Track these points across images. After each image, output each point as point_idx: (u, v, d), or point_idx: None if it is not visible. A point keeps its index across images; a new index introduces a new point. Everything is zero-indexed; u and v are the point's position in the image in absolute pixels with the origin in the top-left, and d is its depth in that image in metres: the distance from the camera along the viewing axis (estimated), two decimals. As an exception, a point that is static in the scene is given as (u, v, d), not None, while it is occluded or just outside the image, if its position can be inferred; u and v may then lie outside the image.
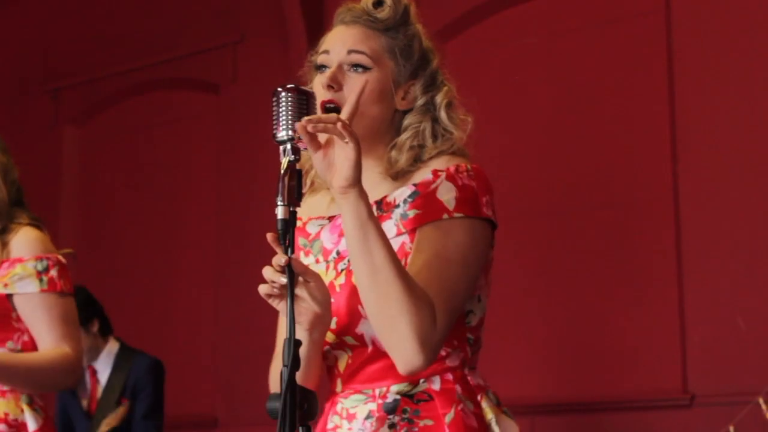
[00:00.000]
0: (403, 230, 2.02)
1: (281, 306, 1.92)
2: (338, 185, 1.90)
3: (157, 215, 7.31)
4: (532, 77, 5.99)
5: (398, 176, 2.09)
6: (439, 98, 2.13)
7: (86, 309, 5.35)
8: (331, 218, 2.14)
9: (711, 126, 5.44)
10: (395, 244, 2.00)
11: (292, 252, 1.86)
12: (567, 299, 5.72)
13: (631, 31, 5.75)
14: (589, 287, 5.67)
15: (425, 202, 2.01)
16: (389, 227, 2.02)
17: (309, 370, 2.01)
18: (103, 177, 7.64)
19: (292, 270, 1.85)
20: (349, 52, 2.09)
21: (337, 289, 2.05)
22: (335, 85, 2.07)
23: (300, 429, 1.81)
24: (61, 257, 3.01)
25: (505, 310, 5.83)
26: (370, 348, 2.03)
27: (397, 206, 2.04)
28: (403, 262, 1.97)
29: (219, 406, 6.65)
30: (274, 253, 2.24)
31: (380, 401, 2.03)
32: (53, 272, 2.96)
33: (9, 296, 2.95)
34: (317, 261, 2.12)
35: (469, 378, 2.08)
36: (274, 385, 2.07)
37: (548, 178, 5.84)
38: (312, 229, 2.15)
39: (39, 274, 2.95)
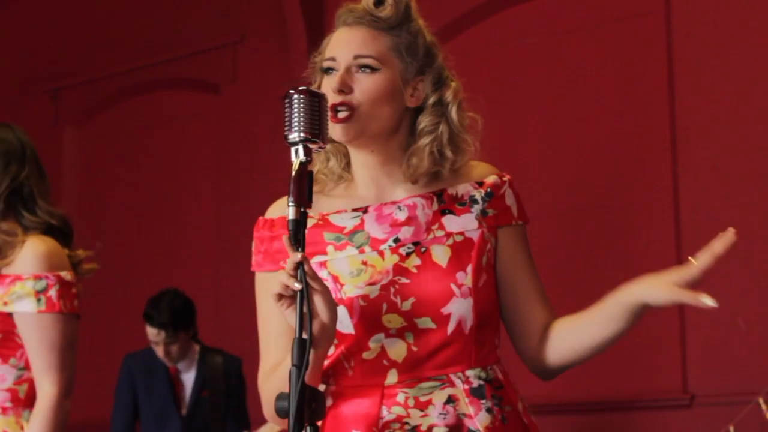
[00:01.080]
0: (484, 225, 2.13)
1: (289, 312, 1.90)
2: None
3: (156, 215, 7.32)
4: (532, 77, 6.00)
5: (417, 180, 2.14)
6: (449, 96, 2.15)
7: (187, 317, 5.53)
8: (363, 210, 2.13)
9: (711, 126, 5.45)
10: (474, 234, 2.11)
11: (303, 249, 1.87)
12: (566, 299, 5.70)
13: (631, 31, 5.76)
14: (589, 287, 5.66)
15: (499, 205, 2.16)
16: (470, 219, 2.12)
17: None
18: (103, 177, 7.64)
19: (304, 269, 1.85)
20: (356, 57, 2.09)
21: (413, 270, 2.06)
22: (345, 89, 2.08)
23: (307, 428, 1.81)
24: (64, 274, 2.94)
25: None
26: (449, 331, 2.04)
27: (475, 201, 2.14)
28: (485, 250, 2.13)
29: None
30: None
31: (466, 387, 2.05)
32: (52, 292, 2.90)
33: (11, 313, 2.93)
34: (362, 251, 2.10)
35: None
36: (267, 400, 2.05)
37: (548, 178, 5.84)
38: (344, 222, 2.13)
39: (37, 293, 2.89)
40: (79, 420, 5.83)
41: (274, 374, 2.08)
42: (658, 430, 5.45)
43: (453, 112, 2.14)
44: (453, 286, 2.05)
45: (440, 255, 2.07)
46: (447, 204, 2.12)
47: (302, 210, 1.86)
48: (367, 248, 2.10)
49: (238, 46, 7.06)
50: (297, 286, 1.86)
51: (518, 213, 2.19)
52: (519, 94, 5.98)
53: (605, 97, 5.79)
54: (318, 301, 1.90)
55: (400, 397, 2.05)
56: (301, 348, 1.83)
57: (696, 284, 2.07)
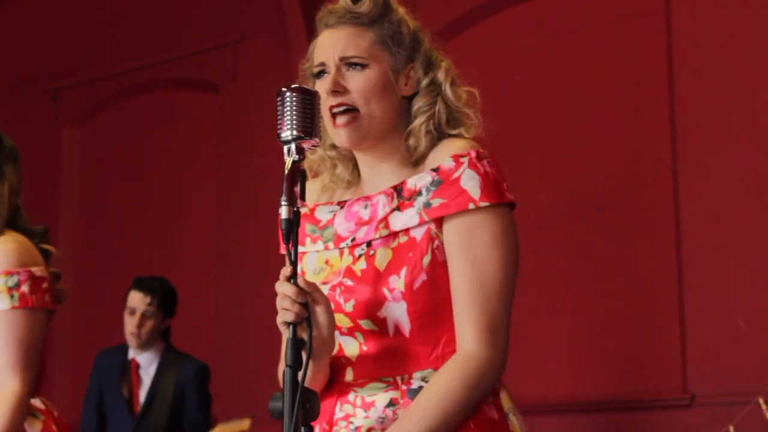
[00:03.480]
0: (427, 219, 2.03)
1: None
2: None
3: (156, 215, 7.31)
4: (532, 77, 6.00)
5: (418, 162, 2.11)
6: (441, 75, 2.14)
7: (173, 305, 5.47)
8: (342, 204, 2.14)
9: (711, 126, 5.45)
10: (419, 232, 2.03)
11: (296, 250, 1.87)
12: (566, 299, 5.72)
13: (631, 31, 5.76)
14: (589, 287, 5.68)
15: (449, 191, 2.02)
16: (411, 216, 2.04)
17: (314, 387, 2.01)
18: (103, 177, 7.64)
19: (296, 268, 1.85)
20: (343, 57, 2.10)
21: (358, 273, 2.05)
22: (340, 89, 2.09)
23: (303, 429, 1.81)
24: (35, 270, 2.93)
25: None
26: (391, 333, 2.03)
27: (420, 194, 2.05)
28: (429, 248, 2.01)
29: (219, 406, 6.64)
30: (274, 253, 2.24)
31: (404, 387, 2.02)
32: (24, 287, 2.89)
33: None
34: (326, 248, 2.12)
35: None
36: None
37: (548, 178, 5.84)
38: (322, 215, 2.15)
39: (10, 290, 2.89)
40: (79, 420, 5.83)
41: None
42: (658, 430, 5.44)
43: (447, 90, 2.13)
44: (385, 291, 2.02)
45: (381, 258, 2.05)
46: (402, 200, 2.07)
47: (295, 209, 1.86)
48: (330, 245, 2.11)
49: (238, 46, 7.06)
50: (300, 298, 1.87)
51: (481, 193, 2.02)
52: (519, 94, 5.97)
53: (605, 97, 5.78)
54: (320, 312, 1.91)
55: (351, 396, 2.06)
56: (296, 349, 1.83)
57: None
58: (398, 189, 2.08)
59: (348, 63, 2.10)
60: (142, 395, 5.42)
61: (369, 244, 2.07)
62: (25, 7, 8.02)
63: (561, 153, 5.85)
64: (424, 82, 2.13)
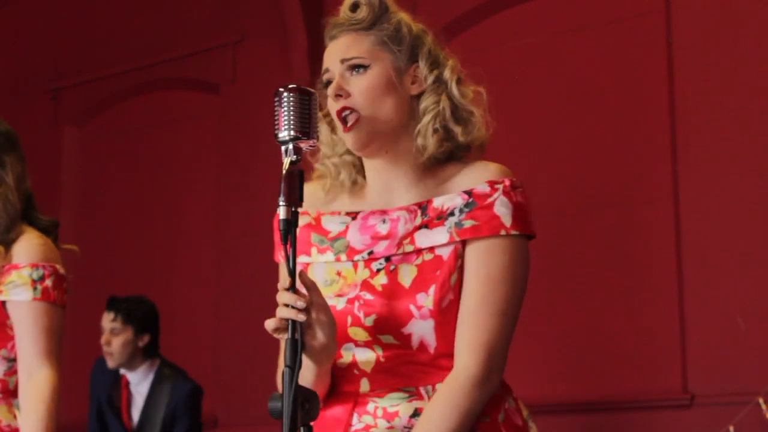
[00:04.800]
0: (457, 239, 2.06)
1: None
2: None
3: (156, 215, 7.32)
4: (532, 77, 6.00)
5: (430, 165, 2.12)
6: (447, 73, 2.16)
7: (146, 321, 5.43)
8: (352, 215, 2.14)
9: (711, 126, 5.45)
10: (445, 251, 2.05)
11: (294, 250, 1.86)
12: (566, 299, 5.72)
13: (631, 31, 5.76)
14: (589, 287, 5.68)
15: (483, 215, 2.06)
16: (441, 233, 2.06)
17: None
18: (103, 177, 7.64)
19: (294, 269, 1.85)
20: (344, 60, 2.12)
21: (378, 288, 2.05)
22: (342, 92, 2.10)
23: (301, 429, 1.81)
24: (59, 267, 2.96)
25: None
26: (415, 347, 2.04)
27: (452, 214, 2.07)
28: (456, 267, 2.04)
29: (219, 406, 6.65)
30: (273, 252, 2.24)
31: (429, 399, 2.03)
32: (48, 282, 2.92)
33: (4, 303, 2.93)
34: (338, 259, 2.12)
35: (503, 377, 2.13)
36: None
37: (548, 178, 5.84)
38: (332, 226, 2.15)
39: (34, 282, 2.91)
40: (76, 420, 5.84)
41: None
42: (658, 430, 5.44)
43: (453, 88, 2.14)
44: (413, 308, 2.02)
45: (405, 275, 2.06)
46: (429, 218, 2.08)
47: (293, 210, 1.85)
48: (343, 256, 2.11)
49: (238, 46, 7.06)
50: (300, 304, 1.86)
51: (513, 222, 2.06)
52: (519, 94, 5.97)
53: (605, 97, 5.78)
54: (319, 321, 1.91)
55: (370, 407, 2.06)
56: (294, 349, 1.83)
57: None
58: (423, 207, 2.09)
59: (350, 66, 2.11)
60: (134, 411, 5.43)
61: (388, 259, 2.08)
62: (25, 7, 8.02)
63: (561, 152, 5.85)
64: (430, 79, 2.14)
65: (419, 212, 2.09)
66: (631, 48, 5.75)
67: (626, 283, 5.59)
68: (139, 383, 5.43)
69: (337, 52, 2.14)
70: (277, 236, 2.21)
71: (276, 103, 1.88)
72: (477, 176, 2.10)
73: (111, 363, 5.41)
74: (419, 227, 2.08)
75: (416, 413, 2.02)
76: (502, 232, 2.05)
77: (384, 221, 2.11)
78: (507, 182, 2.09)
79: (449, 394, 1.99)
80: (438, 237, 2.06)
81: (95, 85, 7.70)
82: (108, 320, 5.44)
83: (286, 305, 1.86)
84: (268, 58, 6.80)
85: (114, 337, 5.39)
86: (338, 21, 2.18)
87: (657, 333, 5.45)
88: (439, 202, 2.09)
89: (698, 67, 5.52)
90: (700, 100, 5.48)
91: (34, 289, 2.91)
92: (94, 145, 7.72)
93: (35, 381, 2.87)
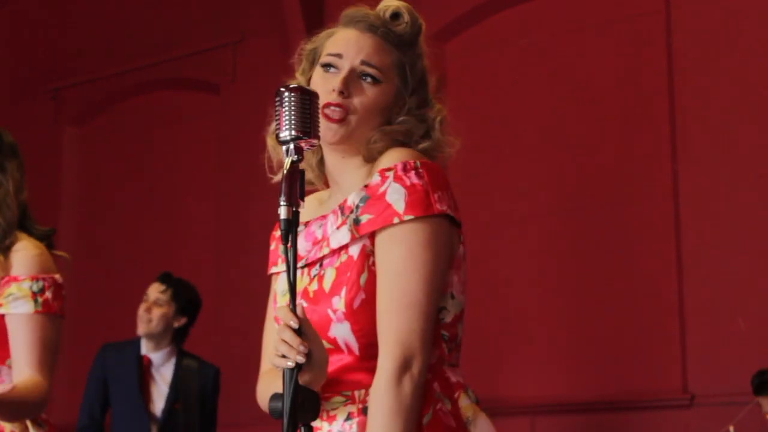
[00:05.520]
0: (357, 235, 2.00)
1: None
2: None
3: (156, 215, 7.32)
4: (532, 77, 6.00)
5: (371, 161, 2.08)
6: (432, 114, 2.12)
7: (190, 305, 5.44)
8: (307, 224, 2.13)
9: (711, 126, 5.45)
10: (355, 251, 2.00)
11: (295, 252, 1.85)
12: (566, 299, 5.72)
13: (631, 31, 5.76)
14: (589, 287, 5.68)
15: (376, 207, 1.99)
16: (344, 232, 2.02)
17: None
18: (103, 177, 7.64)
19: (296, 253, 1.83)
20: (363, 62, 2.08)
21: (311, 294, 2.03)
22: (346, 92, 2.07)
23: (302, 429, 1.81)
24: (57, 277, 2.94)
25: (503, 310, 5.84)
26: (345, 352, 2.02)
27: (352, 212, 2.02)
28: (365, 266, 1.99)
29: (219, 406, 6.64)
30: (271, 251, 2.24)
31: (360, 406, 2.00)
32: (48, 293, 2.90)
33: (3, 315, 2.93)
34: None
35: (448, 375, 2.05)
36: (263, 401, 2.07)
37: (548, 178, 5.84)
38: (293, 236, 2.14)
39: (34, 294, 2.88)
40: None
41: (267, 376, 2.11)
42: (658, 430, 5.44)
43: (433, 121, 2.11)
44: (329, 312, 2.00)
45: (328, 279, 2.03)
46: (345, 218, 2.04)
47: (294, 209, 1.85)
48: None
49: (238, 46, 7.07)
50: (293, 324, 1.84)
51: (406, 207, 1.96)
52: (519, 93, 5.97)
53: (605, 97, 5.79)
54: (316, 354, 1.87)
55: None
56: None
57: None
58: (341, 206, 2.06)
59: (363, 72, 2.07)
60: (155, 393, 5.41)
61: (321, 264, 2.05)
62: (25, 7, 8.02)
63: (561, 152, 5.85)
64: (413, 106, 2.10)
65: (339, 212, 2.06)
66: (631, 48, 5.75)
67: (626, 283, 5.59)
68: (162, 365, 5.43)
69: (361, 48, 2.09)
70: (271, 250, 2.21)
71: (277, 103, 1.88)
72: (376, 168, 2.04)
73: (141, 329, 5.38)
74: (338, 228, 2.04)
75: (349, 417, 2.01)
76: (396, 220, 1.96)
77: (320, 226, 2.10)
78: (399, 166, 1.99)
79: (373, 397, 1.94)
80: (342, 236, 2.01)
81: (95, 85, 7.71)
82: (157, 290, 5.44)
83: (285, 342, 1.84)
84: (268, 58, 6.80)
85: (156, 307, 5.40)
86: (371, 16, 2.12)
87: (657, 333, 5.46)
88: (351, 200, 2.04)
89: (698, 67, 5.53)
90: (700, 100, 5.49)
91: (35, 301, 2.90)
92: (94, 145, 7.72)
93: (27, 380, 2.87)
